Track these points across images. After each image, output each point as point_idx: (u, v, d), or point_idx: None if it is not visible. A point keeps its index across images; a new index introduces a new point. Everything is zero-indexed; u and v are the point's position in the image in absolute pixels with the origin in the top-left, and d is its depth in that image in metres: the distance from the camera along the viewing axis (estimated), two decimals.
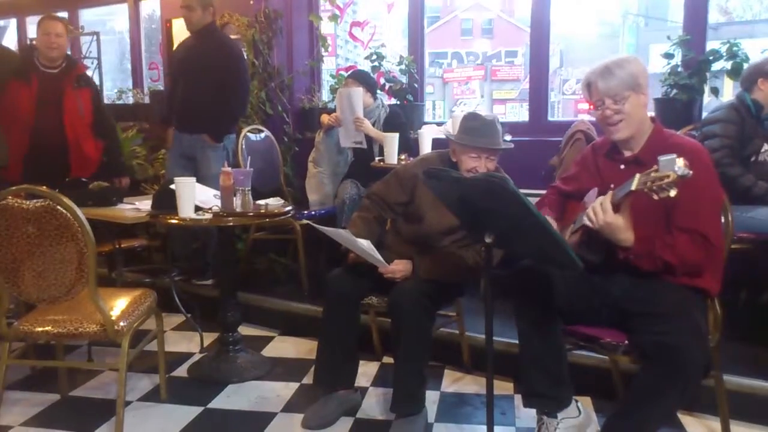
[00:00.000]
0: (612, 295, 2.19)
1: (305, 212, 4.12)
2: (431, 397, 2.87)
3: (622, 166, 2.23)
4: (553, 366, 2.23)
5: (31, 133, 3.81)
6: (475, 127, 2.59)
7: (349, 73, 4.32)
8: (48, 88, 3.85)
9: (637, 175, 1.85)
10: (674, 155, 1.75)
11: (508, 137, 2.80)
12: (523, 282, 2.26)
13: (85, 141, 3.94)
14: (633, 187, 1.85)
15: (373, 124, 3.99)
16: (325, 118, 4.12)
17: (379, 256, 2.57)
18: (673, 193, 1.75)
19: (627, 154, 2.24)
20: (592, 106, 2.26)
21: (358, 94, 3.90)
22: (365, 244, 2.53)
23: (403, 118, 4.22)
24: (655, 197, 1.79)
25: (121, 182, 4.12)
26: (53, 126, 3.83)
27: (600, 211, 1.97)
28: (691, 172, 1.73)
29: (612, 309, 2.19)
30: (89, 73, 5.98)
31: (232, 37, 4.82)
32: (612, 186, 2.13)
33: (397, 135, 3.77)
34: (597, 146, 2.41)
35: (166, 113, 4.32)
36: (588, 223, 2.01)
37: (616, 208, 1.96)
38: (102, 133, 4.06)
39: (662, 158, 1.76)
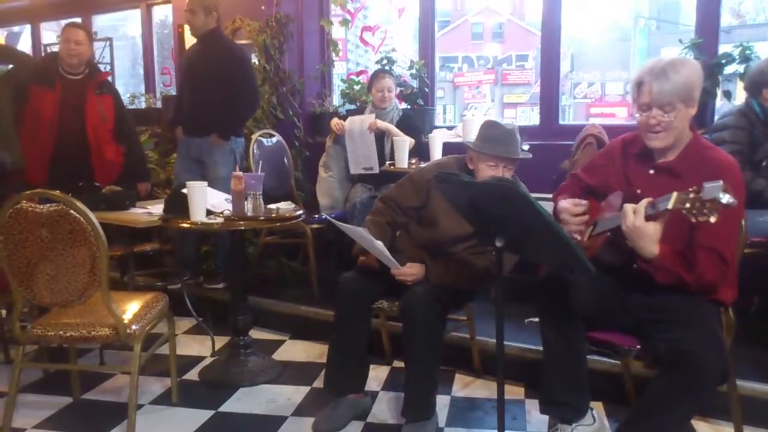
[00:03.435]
0: (628, 301, 2.17)
1: (316, 216, 4.13)
2: (442, 402, 2.86)
3: (652, 171, 2.16)
4: (574, 374, 2.21)
5: (55, 138, 3.86)
6: (494, 135, 2.59)
7: (379, 70, 4.34)
8: (71, 93, 3.90)
9: (675, 194, 1.76)
10: (720, 182, 1.66)
11: (526, 146, 2.80)
12: (548, 289, 2.22)
13: (107, 146, 3.99)
14: (670, 207, 1.76)
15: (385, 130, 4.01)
16: (332, 123, 4.14)
17: (392, 258, 2.57)
18: (713, 219, 1.68)
19: (660, 160, 2.16)
20: (636, 108, 2.13)
21: (371, 138, 3.95)
22: (379, 244, 2.53)
23: (418, 122, 4.23)
24: (693, 220, 1.71)
25: (142, 188, 4.15)
26: (76, 131, 3.89)
27: (630, 213, 1.89)
28: (735, 201, 1.65)
29: (627, 315, 2.17)
30: None
31: (243, 41, 4.85)
32: (638, 191, 2.10)
33: (407, 140, 3.78)
34: (628, 142, 2.29)
35: (174, 116, 4.35)
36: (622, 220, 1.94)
37: (652, 218, 1.88)
38: (123, 139, 4.11)
39: (708, 185, 1.67)
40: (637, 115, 2.13)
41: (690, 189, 1.72)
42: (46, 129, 3.85)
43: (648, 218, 1.88)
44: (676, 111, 2.05)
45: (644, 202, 1.89)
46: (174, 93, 5.15)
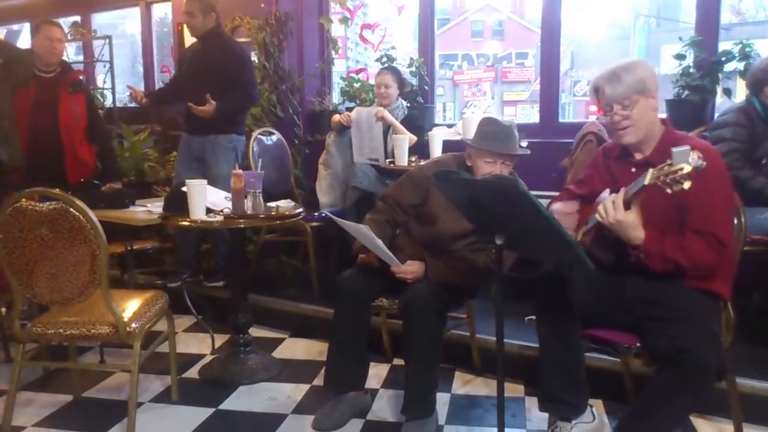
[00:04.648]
0: (625, 298, 2.18)
1: (316, 214, 4.13)
2: (442, 400, 2.86)
3: (634, 169, 2.21)
4: (572, 371, 2.22)
5: (28, 137, 3.84)
6: (492, 132, 2.59)
7: (383, 66, 4.32)
8: (44, 92, 3.88)
9: (650, 170, 1.83)
10: (687, 146, 1.72)
11: (524, 143, 2.80)
12: (545, 287, 2.24)
13: (80, 145, 3.97)
14: (646, 182, 1.83)
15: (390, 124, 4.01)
16: (336, 118, 4.13)
17: (392, 255, 2.58)
18: (687, 185, 1.73)
19: (638, 157, 2.22)
20: (601, 111, 2.25)
21: (378, 129, 3.92)
22: (380, 242, 2.53)
23: (421, 122, 4.22)
24: (669, 191, 1.77)
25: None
26: (49, 129, 3.86)
27: (611, 208, 1.96)
28: (704, 163, 1.70)
29: (625, 312, 2.18)
30: (101, 76, 6.06)
31: (243, 39, 4.84)
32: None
33: (407, 137, 3.78)
34: (608, 149, 2.39)
35: (157, 90, 4.26)
36: (599, 218, 2.00)
37: (627, 205, 1.95)
38: (95, 138, 4.09)
39: (675, 150, 1.73)
40: (606, 118, 2.23)
41: (663, 163, 1.79)
42: (20, 128, 3.81)
43: (626, 205, 1.95)
44: (635, 103, 2.13)
45: (619, 194, 1.96)
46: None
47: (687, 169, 1.71)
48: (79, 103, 4.00)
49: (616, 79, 2.14)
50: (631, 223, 1.96)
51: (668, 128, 2.23)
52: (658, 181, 1.79)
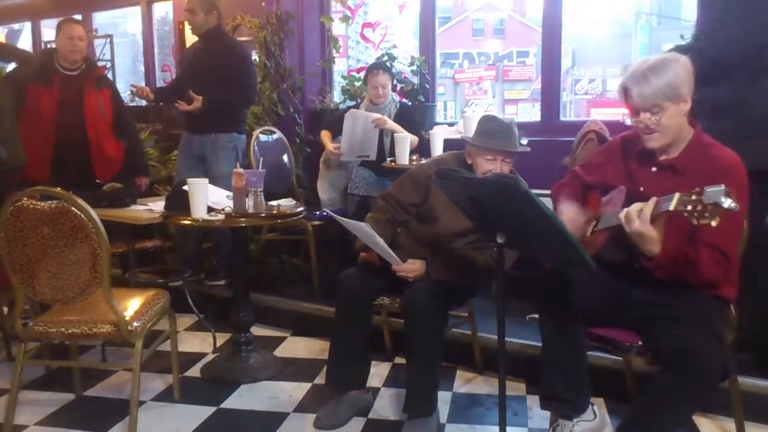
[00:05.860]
0: (630, 298, 2.17)
1: (317, 213, 4.13)
2: (443, 398, 2.86)
3: (654, 169, 2.16)
4: (574, 370, 2.21)
5: (54, 135, 3.87)
6: (492, 129, 2.59)
7: (375, 65, 4.32)
8: (69, 89, 3.92)
9: (677, 195, 1.75)
10: (723, 186, 1.63)
11: (524, 140, 2.79)
12: (546, 285, 2.23)
13: (107, 141, 4.00)
14: (671, 208, 1.75)
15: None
16: (329, 149, 4.10)
17: (393, 254, 2.57)
18: (714, 223, 1.66)
19: (662, 158, 2.15)
20: (629, 111, 2.12)
21: (375, 134, 3.90)
22: (381, 240, 2.53)
23: (417, 116, 4.21)
24: (695, 222, 1.70)
25: (141, 182, 4.17)
26: (75, 126, 3.90)
27: (636, 218, 1.89)
28: (738, 206, 1.63)
29: (629, 311, 2.17)
30: None
31: (244, 38, 4.84)
32: (641, 189, 2.09)
33: (408, 136, 3.77)
34: (628, 140, 2.27)
35: (162, 87, 4.28)
36: (623, 223, 1.93)
37: (652, 219, 1.88)
38: (123, 134, 4.12)
39: (710, 189, 1.65)
40: (630, 119, 2.13)
41: (692, 191, 1.71)
42: (45, 126, 3.86)
43: (652, 218, 1.87)
44: (664, 110, 2.03)
45: (649, 205, 1.87)
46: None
47: (719, 210, 1.64)
48: (104, 98, 4.04)
49: (644, 81, 2.01)
50: (653, 238, 1.89)
51: (697, 132, 2.14)
52: (685, 210, 1.71)
